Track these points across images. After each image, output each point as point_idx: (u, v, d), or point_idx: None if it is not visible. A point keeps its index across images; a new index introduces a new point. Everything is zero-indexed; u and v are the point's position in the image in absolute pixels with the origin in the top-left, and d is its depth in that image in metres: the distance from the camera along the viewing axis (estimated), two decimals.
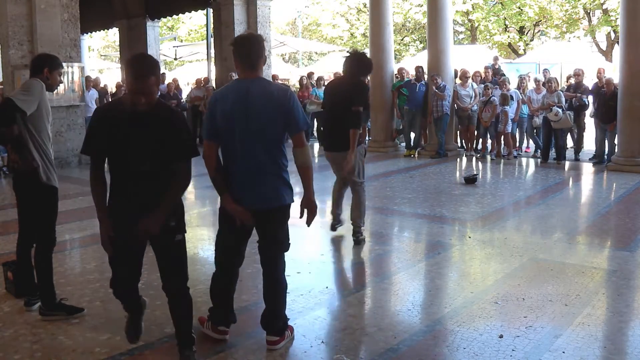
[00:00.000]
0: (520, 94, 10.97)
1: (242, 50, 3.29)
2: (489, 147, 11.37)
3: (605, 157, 10.03)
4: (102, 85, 15.87)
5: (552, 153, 10.53)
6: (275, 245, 3.42)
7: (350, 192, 5.69)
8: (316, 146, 13.58)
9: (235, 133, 3.25)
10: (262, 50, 3.34)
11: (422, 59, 15.79)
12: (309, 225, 3.44)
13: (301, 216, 3.44)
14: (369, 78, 12.00)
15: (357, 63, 5.48)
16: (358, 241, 5.57)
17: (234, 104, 3.26)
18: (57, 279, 4.08)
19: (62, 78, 4.12)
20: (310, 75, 14.87)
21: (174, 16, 24.52)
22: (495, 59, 14.28)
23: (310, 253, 5.38)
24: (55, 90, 4.26)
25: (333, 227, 5.91)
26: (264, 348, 3.44)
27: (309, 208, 3.41)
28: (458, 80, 11.59)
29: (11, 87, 9.83)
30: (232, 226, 3.33)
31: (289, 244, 3.47)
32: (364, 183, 5.68)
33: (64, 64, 4.25)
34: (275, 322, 3.46)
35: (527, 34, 29.71)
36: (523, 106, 10.89)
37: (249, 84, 3.29)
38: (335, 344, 3.53)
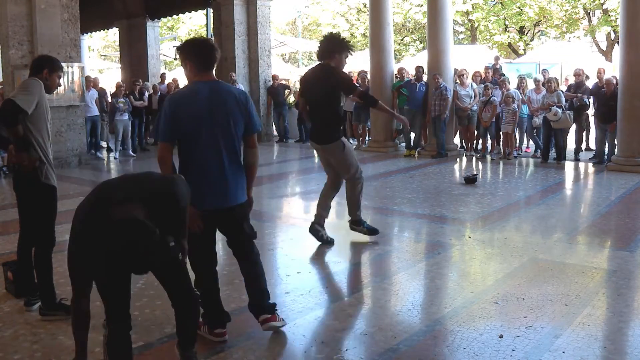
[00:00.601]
0: (520, 93, 10.97)
1: (203, 53, 3.36)
2: (489, 147, 11.37)
3: (605, 157, 10.02)
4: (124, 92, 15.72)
5: (552, 153, 10.53)
6: (247, 238, 3.56)
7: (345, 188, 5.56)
8: None
9: (202, 134, 3.30)
10: (219, 54, 3.43)
11: (422, 59, 15.79)
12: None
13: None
14: (368, 78, 12.14)
15: (326, 43, 5.28)
16: (361, 230, 5.62)
17: (201, 106, 3.29)
18: (57, 279, 4.07)
19: (60, 81, 4.12)
20: None
21: (174, 16, 24.54)
22: (496, 58, 14.27)
23: (310, 253, 5.38)
24: (55, 91, 4.26)
25: (313, 229, 5.55)
26: (264, 348, 3.44)
27: (249, 204, 3.57)
28: (457, 80, 11.60)
29: (11, 87, 9.83)
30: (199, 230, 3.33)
31: (256, 232, 3.61)
32: (360, 176, 5.49)
33: (64, 64, 4.23)
34: (266, 299, 3.59)
35: (527, 34, 29.71)
36: (523, 106, 10.89)
37: (212, 86, 3.35)
38: (335, 344, 3.53)
